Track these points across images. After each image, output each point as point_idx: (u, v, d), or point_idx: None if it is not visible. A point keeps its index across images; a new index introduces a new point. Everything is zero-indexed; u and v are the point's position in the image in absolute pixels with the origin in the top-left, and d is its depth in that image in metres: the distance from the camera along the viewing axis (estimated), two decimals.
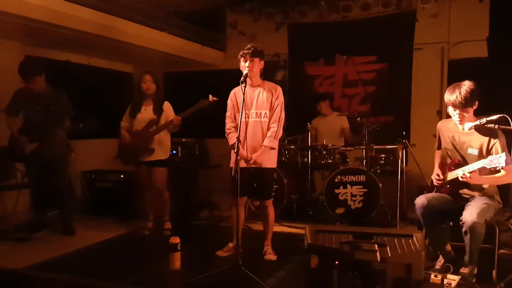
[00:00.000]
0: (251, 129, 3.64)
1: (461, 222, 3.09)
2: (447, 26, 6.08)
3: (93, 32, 5.08)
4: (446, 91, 3.26)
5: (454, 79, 5.81)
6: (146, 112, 4.52)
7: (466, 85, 3.15)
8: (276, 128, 3.67)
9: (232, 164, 3.76)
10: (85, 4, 4.68)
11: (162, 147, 4.53)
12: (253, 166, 3.63)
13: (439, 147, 3.59)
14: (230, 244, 3.92)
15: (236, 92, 3.80)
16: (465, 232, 3.07)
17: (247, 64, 3.60)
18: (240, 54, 3.64)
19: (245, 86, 3.46)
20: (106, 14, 4.97)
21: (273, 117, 3.68)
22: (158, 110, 4.49)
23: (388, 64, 6.37)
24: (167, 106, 4.56)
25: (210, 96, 4.23)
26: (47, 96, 4.48)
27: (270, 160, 3.72)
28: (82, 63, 6.83)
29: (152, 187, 4.64)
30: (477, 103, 3.20)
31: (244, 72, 3.55)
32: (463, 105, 3.14)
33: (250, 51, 3.58)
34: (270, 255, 3.78)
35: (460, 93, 3.13)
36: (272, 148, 3.67)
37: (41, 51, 5.78)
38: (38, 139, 4.43)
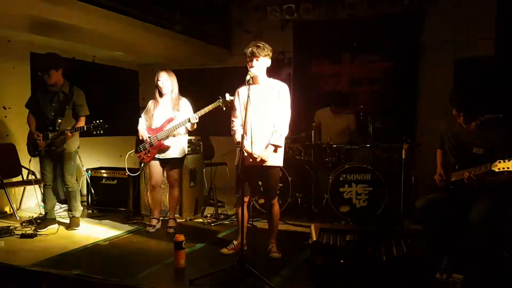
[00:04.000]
0: (257, 128, 3.63)
1: (469, 223, 3.06)
2: (454, 25, 6.04)
3: (99, 30, 5.10)
4: (452, 93, 3.23)
5: (461, 77, 5.88)
6: (164, 110, 4.52)
7: (472, 90, 3.12)
8: (282, 126, 3.65)
9: (237, 162, 3.76)
10: (92, 2, 4.68)
11: (178, 145, 4.54)
12: (259, 164, 3.62)
13: (442, 147, 3.57)
14: (235, 242, 3.92)
15: (241, 91, 3.79)
16: (473, 233, 3.05)
17: (253, 62, 3.57)
18: (248, 51, 3.59)
19: (250, 84, 3.44)
20: (111, 12, 4.97)
21: (279, 115, 3.66)
22: (176, 108, 4.49)
23: (394, 63, 6.34)
24: (185, 104, 4.55)
25: (227, 95, 4.21)
26: (64, 94, 4.52)
27: (276, 159, 3.70)
28: (87, 60, 6.86)
29: (159, 183, 4.65)
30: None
31: (251, 70, 3.52)
32: (468, 110, 3.12)
33: (256, 49, 3.56)
34: (275, 253, 3.77)
35: (466, 98, 3.10)
36: (278, 146, 3.66)
37: (47, 48, 5.80)
38: (49, 136, 4.46)
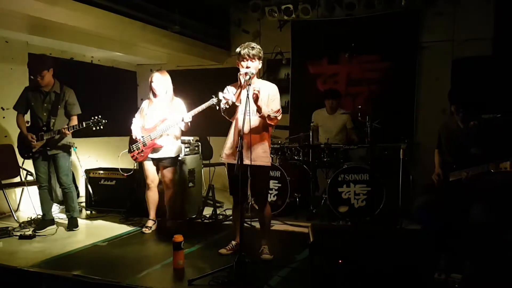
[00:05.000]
0: (248, 126, 3.62)
1: (468, 223, 3.07)
2: (452, 25, 6.05)
3: (97, 31, 5.09)
4: (450, 93, 3.25)
5: (459, 77, 5.89)
6: (158, 110, 4.53)
7: (470, 90, 3.14)
8: (276, 114, 3.58)
9: (225, 160, 3.80)
10: (90, 2, 4.67)
11: (171, 144, 4.54)
12: (253, 163, 3.62)
13: (440, 147, 3.57)
14: (233, 242, 3.92)
15: (230, 89, 3.77)
16: (472, 233, 3.06)
17: (248, 63, 3.58)
18: (243, 52, 3.60)
19: (249, 85, 3.44)
20: (110, 13, 4.96)
21: (273, 107, 3.62)
22: (169, 108, 4.50)
23: (392, 63, 6.34)
24: (178, 104, 4.56)
25: (221, 93, 4.23)
26: (55, 94, 4.52)
27: (265, 158, 3.70)
28: (85, 61, 6.85)
29: (154, 183, 4.65)
30: None
31: (254, 72, 3.51)
32: (466, 110, 3.13)
33: (251, 50, 3.57)
34: (266, 255, 3.77)
35: (464, 98, 3.12)
36: (264, 112, 3.53)
37: (45, 49, 5.80)
38: (44, 137, 4.46)
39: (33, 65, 4.53)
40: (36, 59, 4.56)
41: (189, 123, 4.39)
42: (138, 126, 4.59)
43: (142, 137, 4.51)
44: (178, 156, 4.70)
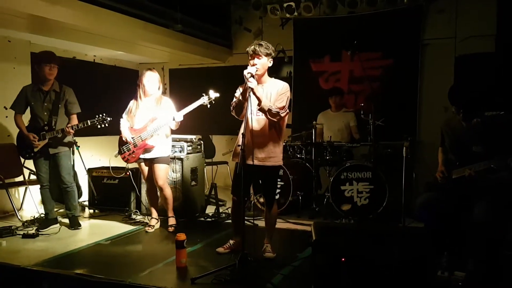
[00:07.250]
0: (256, 126, 3.62)
1: (471, 220, 3.05)
2: (454, 21, 6.03)
3: (99, 30, 5.09)
4: (451, 91, 3.23)
5: (461, 74, 5.87)
6: (147, 109, 4.51)
7: (471, 87, 3.12)
8: (278, 110, 3.51)
9: (234, 159, 3.76)
10: (91, 1, 4.68)
11: (163, 144, 4.54)
12: (260, 163, 3.61)
13: (443, 144, 3.56)
14: (231, 241, 3.91)
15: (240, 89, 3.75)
16: (475, 231, 3.04)
17: (254, 60, 3.55)
18: (250, 50, 3.58)
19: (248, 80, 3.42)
20: (111, 12, 4.96)
21: (278, 103, 3.55)
22: (159, 107, 4.49)
23: (394, 60, 6.32)
24: (168, 103, 4.55)
25: (211, 91, 4.22)
26: (55, 93, 4.52)
27: (273, 159, 3.67)
28: (88, 60, 6.86)
29: (152, 183, 4.65)
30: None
31: (254, 69, 3.47)
32: (468, 108, 3.11)
33: (258, 47, 3.53)
34: (269, 253, 3.76)
35: (465, 96, 3.10)
36: (264, 105, 3.47)
37: (47, 48, 5.80)
38: (46, 136, 4.46)
39: (43, 56, 4.51)
40: (46, 52, 4.55)
41: (179, 123, 4.38)
42: (127, 127, 4.55)
43: (133, 138, 4.47)
44: (169, 155, 4.68)
